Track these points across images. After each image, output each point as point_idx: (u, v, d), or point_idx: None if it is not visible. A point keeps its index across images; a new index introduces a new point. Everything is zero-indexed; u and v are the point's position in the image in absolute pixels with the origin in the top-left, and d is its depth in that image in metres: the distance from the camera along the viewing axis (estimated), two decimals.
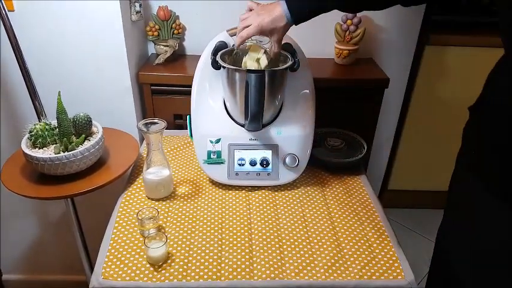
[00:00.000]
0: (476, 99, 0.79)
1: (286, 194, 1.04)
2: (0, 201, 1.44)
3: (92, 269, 1.25)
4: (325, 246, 0.88)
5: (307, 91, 1.06)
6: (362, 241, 0.90)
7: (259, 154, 1.04)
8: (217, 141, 1.04)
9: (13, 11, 1.11)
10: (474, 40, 1.64)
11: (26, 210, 1.49)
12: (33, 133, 0.99)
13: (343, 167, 1.13)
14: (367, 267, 0.84)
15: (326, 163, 1.13)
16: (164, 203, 1.00)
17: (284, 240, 0.90)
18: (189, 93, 1.08)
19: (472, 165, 0.79)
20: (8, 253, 1.58)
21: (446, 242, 0.87)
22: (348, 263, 0.85)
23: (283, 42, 1.04)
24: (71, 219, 1.18)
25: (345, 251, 0.88)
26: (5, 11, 0.98)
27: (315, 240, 0.90)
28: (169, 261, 0.84)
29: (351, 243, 0.89)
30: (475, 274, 0.78)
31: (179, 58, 1.40)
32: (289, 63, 0.97)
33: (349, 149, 1.18)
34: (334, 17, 1.36)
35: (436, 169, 1.96)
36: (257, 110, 0.94)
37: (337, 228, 0.94)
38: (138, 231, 0.91)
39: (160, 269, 0.82)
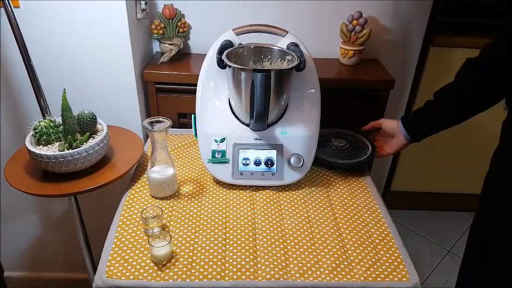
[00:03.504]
0: None
1: (291, 195, 1.04)
2: (1, 198, 1.44)
3: (94, 267, 1.26)
4: (329, 247, 0.88)
5: (313, 91, 1.06)
6: (367, 242, 0.90)
7: (264, 154, 1.03)
8: (222, 140, 1.03)
9: (18, 7, 1.11)
10: (479, 42, 1.61)
11: (28, 208, 1.49)
12: (37, 130, 0.98)
13: (348, 168, 1.13)
14: (372, 269, 0.83)
15: (331, 164, 1.12)
16: (168, 201, 0.99)
17: (288, 241, 0.89)
18: (193, 92, 1.07)
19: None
20: (10, 250, 1.58)
21: (486, 235, 0.95)
22: (353, 264, 0.84)
23: (289, 42, 1.05)
24: (74, 217, 1.18)
25: (350, 252, 0.87)
26: (11, 8, 0.98)
27: (320, 241, 0.90)
28: (173, 260, 0.83)
29: (356, 245, 0.89)
30: None
31: (184, 57, 1.40)
32: (295, 63, 0.96)
33: (354, 149, 1.17)
34: (339, 17, 1.36)
35: (439, 171, 1.96)
36: (262, 109, 0.93)
37: (342, 229, 0.93)
38: (142, 229, 0.91)
39: (164, 268, 0.81)
